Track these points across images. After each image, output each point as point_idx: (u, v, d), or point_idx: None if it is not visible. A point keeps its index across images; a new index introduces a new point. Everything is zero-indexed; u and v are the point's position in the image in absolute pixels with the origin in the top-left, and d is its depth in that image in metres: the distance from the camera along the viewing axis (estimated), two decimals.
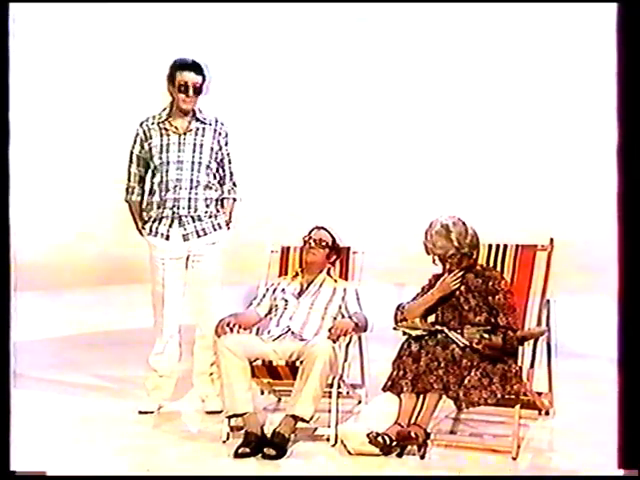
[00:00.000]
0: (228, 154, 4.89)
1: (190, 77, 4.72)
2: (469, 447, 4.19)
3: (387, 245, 7.88)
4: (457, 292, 4.31)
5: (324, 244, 4.76)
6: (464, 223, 4.34)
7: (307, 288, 4.74)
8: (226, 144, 4.87)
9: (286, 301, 4.70)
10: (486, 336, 4.15)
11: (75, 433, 4.50)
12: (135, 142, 4.87)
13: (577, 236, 7.20)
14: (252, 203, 5.14)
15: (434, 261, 4.37)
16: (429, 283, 4.43)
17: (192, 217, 4.78)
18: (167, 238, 4.80)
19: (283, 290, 4.76)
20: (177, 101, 4.76)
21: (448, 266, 4.33)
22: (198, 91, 4.75)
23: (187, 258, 4.82)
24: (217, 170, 4.87)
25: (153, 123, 4.84)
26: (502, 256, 4.55)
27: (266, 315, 4.73)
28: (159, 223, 4.81)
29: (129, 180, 4.91)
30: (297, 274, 4.85)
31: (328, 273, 4.80)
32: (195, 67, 4.73)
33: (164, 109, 4.84)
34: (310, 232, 4.80)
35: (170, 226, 4.79)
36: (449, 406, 4.23)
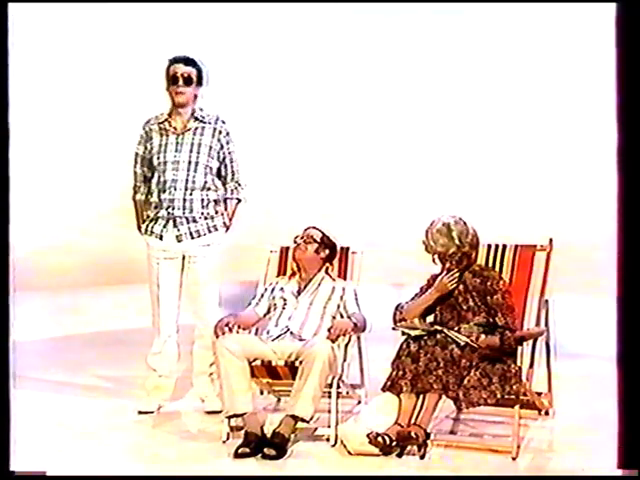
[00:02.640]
0: (230, 153, 4.88)
1: (179, 68, 4.73)
2: (469, 447, 4.19)
3: (386, 245, 7.88)
4: (456, 292, 4.31)
5: (311, 239, 4.75)
6: (465, 222, 4.34)
7: (305, 287, 4.74)
8: (227, 143, 4.86)
9: (285, 300, 4.70)
10: (483, 336, 4.16)
11: (75, 433, 4.50)
12: (139, 142, 4.89)
13: (577, 236, 7.20)
14: (252, 203, 5.13)
15: (434, 260, 4.37)
16: (427, 283, 4.43)
17: (187, 218, 4.77)
18: (161, 238, 4.80)
19: (282, 289, 4.75)
20: (171, 96, 4.77)
21: (448, 265, 4.33)
22: (188, 81, 4.74)
23: (183, 259, 4.81)
24: (219, 170, 4.87)
25: (154, 123, 4.85)
26: (501, 256, 4.55)
27: (265, 315, 4.73)
28: (154, 223, 4.82)
29: (135, 180, 4.94)
30: (294, 273, 4.84)
31: (327, 272, 4.80)
32: (185, 59, 4.75)
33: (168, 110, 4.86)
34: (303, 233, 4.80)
35: (165, 227, 4.79)
36: (449, 406, 4.23)
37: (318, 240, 4.76)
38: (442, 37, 8.67)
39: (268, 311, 4.73)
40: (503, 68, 8.63)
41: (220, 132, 4.83)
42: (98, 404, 5.02)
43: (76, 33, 8.56)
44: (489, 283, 4.29)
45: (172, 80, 4.74)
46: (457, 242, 4.29)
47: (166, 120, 4.82)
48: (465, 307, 4.29)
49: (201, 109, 4.82)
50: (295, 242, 4.78)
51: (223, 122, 4.86)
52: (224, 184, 4.89)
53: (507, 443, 4.10)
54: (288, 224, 5.68)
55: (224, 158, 4.87)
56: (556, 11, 8.09)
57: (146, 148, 4.86)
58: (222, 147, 4.84)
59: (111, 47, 8.61)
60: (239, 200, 4.93)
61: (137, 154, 4.90)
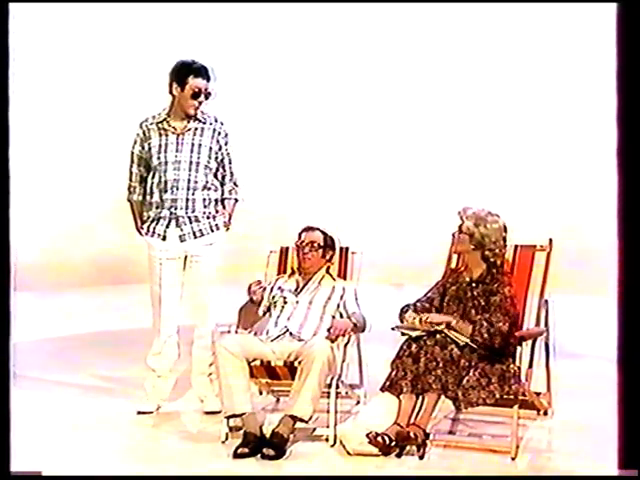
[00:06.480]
0: (228, 154, 4.87)
1: (203, 84, 4.71)
2: (468, 447, 4.19)
3: (386, 245, 7.88)
4: (466, 287, 4.31)
5: (317, 245, 4.74)
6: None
7: (306, 285, 4.73)
8: (226, 144, 4.86)
9: (284, 298, 4.69)
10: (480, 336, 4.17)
11: (74, 433, 4.50)
12: (135, 142, 4.87)
13: (577, 236, 7.20)
14: (251, 203, 5.13)
15: (457, 245, 4.36)
16: (443, 277, 4.44)
17: (189, 218, 4.77)
18: (164, 238, 4.79)
19: (280, 288, 4.74)
20: (185, 105, 4.73)
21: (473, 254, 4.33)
22: (209, 96, 4.75)
23: (185, 258, 4.81)
24: (217, 170, 4.86)
25: (152, 123, 4.83)
26: None
27: (264, 314, 4.72)
28: (157, 223, 4.81)
29: (130, 180, 4.91)
30: (294, 272, 4.84)
31: (327, 272, 4.79)
32: (207, 73, 4.71)
33: (164, 109, 4.83)
34: (300, 234, 4.78)
35: (167, 226, 4.79)
36: (448, 406, 4.23)
37: (322, 244, 4.75)
38: (443, 38, 8.68)
39: (268, 309, 4.73)
40: (504, 68, 8.64)
41: (219, 133, 4.83)
42: (97, 404, 5.02)
43: (76, 33, 8.56)
44: (495, 285, 4.29)
45: (193, 94, 4.71)
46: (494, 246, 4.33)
47: (165, 120, 4.81)
48: (470, 304, 4.29)
49: (201, 110, 4.80)
50: (297, 246, 4.76)
51: (222, 123, 4.85)
52: (221, 184, 4.89)
53: (506, 443, 4.10)
54: (288, 224, 5.69)
55: (222, 159, 4.86)
56: (557, 11, 8.09)
57: (143, 148, 4.84)
58: (220, 148, 4.84)
59: (110, 47, 8.62)
60: (236, 200, 4.93)
61: (133, 153, 4.88)
